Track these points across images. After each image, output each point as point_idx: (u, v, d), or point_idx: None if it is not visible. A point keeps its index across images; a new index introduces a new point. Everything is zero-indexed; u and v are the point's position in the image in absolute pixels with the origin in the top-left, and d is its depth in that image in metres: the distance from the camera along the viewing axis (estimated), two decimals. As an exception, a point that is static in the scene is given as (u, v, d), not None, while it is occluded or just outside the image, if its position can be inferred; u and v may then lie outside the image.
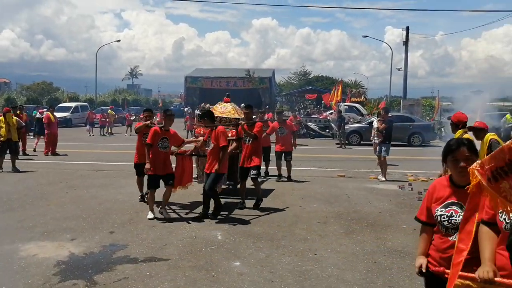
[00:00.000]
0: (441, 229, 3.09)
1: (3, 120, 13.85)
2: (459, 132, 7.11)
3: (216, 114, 9.50)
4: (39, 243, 6.69)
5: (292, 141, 12.87)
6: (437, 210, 3.09)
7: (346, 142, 23.72)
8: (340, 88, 34.16)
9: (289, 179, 12.38)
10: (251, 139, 9.05)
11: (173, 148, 8.83)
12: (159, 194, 8.31)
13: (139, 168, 9.21)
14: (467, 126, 7.33)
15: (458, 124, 7.29)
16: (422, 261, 3.16)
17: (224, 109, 10.04)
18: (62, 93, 63.62)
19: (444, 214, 3.04)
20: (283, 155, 12.63)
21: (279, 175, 12.60)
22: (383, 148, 12.78)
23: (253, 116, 10.36)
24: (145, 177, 8.77)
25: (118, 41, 68.50)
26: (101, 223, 7.82)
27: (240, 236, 7.19)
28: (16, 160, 13.84)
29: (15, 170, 13.38)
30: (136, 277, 5.44)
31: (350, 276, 5.62)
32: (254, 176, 9.04)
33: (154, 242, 6.77)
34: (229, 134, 9.37)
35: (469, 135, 7.04)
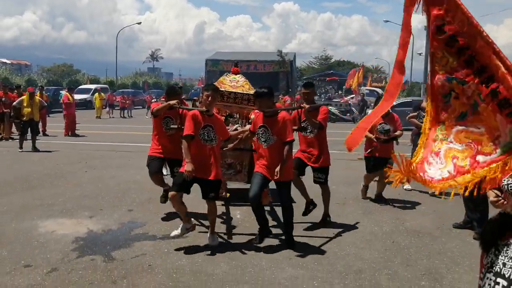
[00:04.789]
0: None
1: (27, 100, 13.98)
2: None
3: (227, 88, 7.51)
4: (58, 220, 6.75)
5: None
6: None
7: (367, 125, 23.30)
8: (361, 72, 33.90)
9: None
10: (313, 130, 6.60)
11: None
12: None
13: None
14: None
15: None
16: None
17: (234, 83, 7.71)
18: (83, 75, 63.94)
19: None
20: None
21: None
22: None
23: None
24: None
25: (139, 23, 68.84)
26: (119, 202, 7.86)
27: (258, 215, 7.14)
28: (36, 140, 14.01)
29: (35, 150, 13.55)
30: (154, 253, 5.46)
31: (368, 254, 5.58)
32: (322, 181, 6.86)
33: (173, 220, 6.79)
34: (251, 116, 7.25)
35: None
